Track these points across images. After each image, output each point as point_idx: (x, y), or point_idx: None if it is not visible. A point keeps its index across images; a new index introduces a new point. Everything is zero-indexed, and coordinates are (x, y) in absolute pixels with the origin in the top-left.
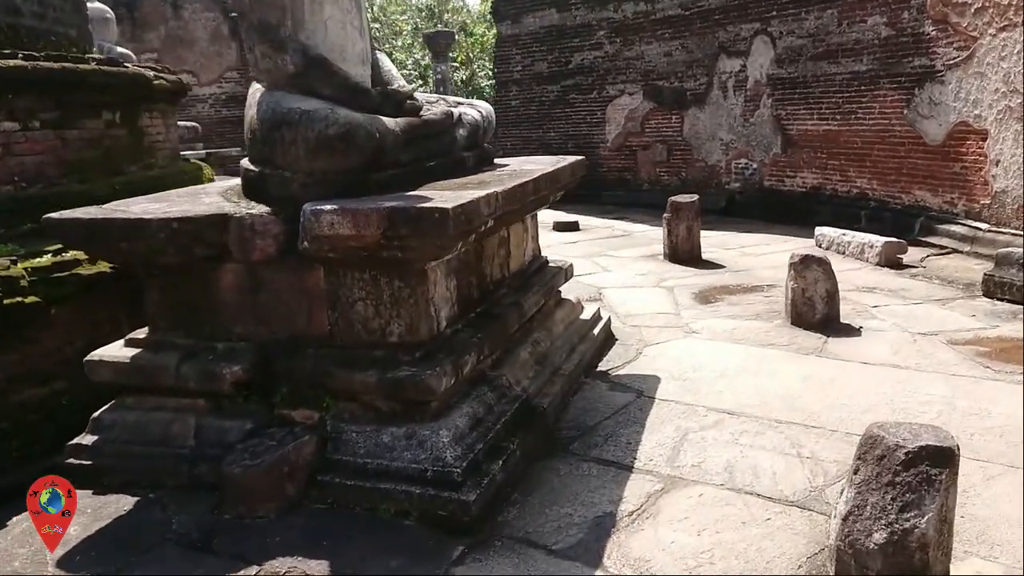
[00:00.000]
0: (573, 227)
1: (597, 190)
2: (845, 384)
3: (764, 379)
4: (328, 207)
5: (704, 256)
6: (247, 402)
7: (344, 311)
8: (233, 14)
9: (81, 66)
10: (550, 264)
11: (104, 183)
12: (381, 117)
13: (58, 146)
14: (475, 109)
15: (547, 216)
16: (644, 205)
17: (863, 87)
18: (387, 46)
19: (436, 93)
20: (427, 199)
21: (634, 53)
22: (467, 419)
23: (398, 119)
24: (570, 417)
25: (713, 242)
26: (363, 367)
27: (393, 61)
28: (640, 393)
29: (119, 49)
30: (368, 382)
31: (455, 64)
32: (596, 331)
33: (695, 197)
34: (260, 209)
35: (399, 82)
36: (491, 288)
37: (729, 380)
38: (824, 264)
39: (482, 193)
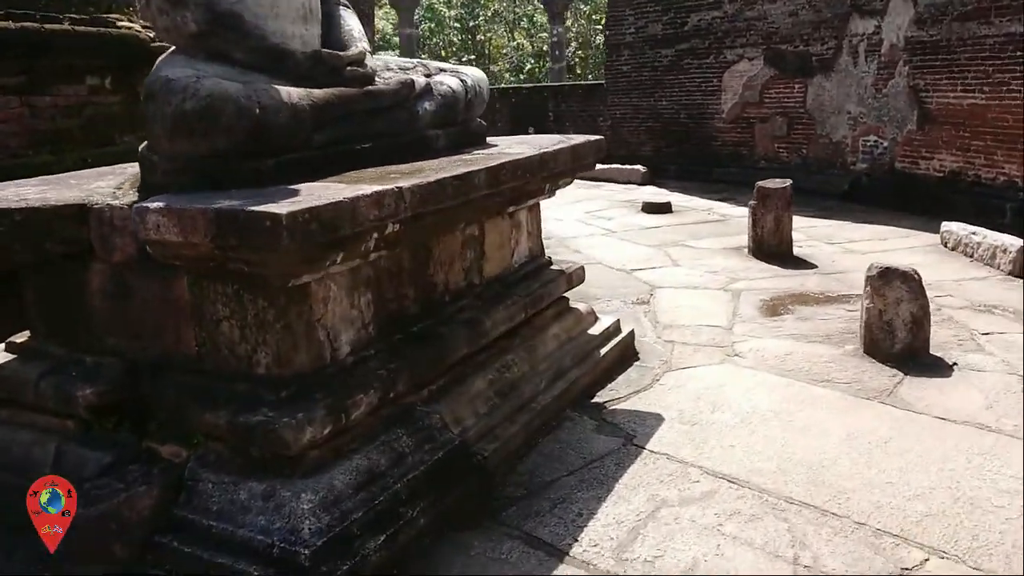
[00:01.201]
0: (664, 209)
1: (709, 166)
2: (903, 449)
3: (796, 432)
4: (154, 205)
5: (797, 251)
6: (118, 428)
7: (210, 330)
8: None
9: (48, 26)
10: (552, 267)
11: (78, 155)
12: (281, 88)
13: (24, 114)
14: (456, 78)
15: (640, 194)
16: None
17: (1019, 52)
18: (529, 7)
19: (553, 56)
20: (290, 196)
21: (756, 13)
22: (354, 475)
23: (315, 91)
24: (526, 468)
25: (816, 233)
26: (218, 404)
27: (533, 24)
28: (630, 439)
29: None
30: (219, 424)
31: (598, 27)
32: (605, 350)
33: (787, 183)
34: (126, 200)
35: (359, 44)
36: (445, 300)
37: (750, 430)
38: (911, 280)
39: (368, 190)
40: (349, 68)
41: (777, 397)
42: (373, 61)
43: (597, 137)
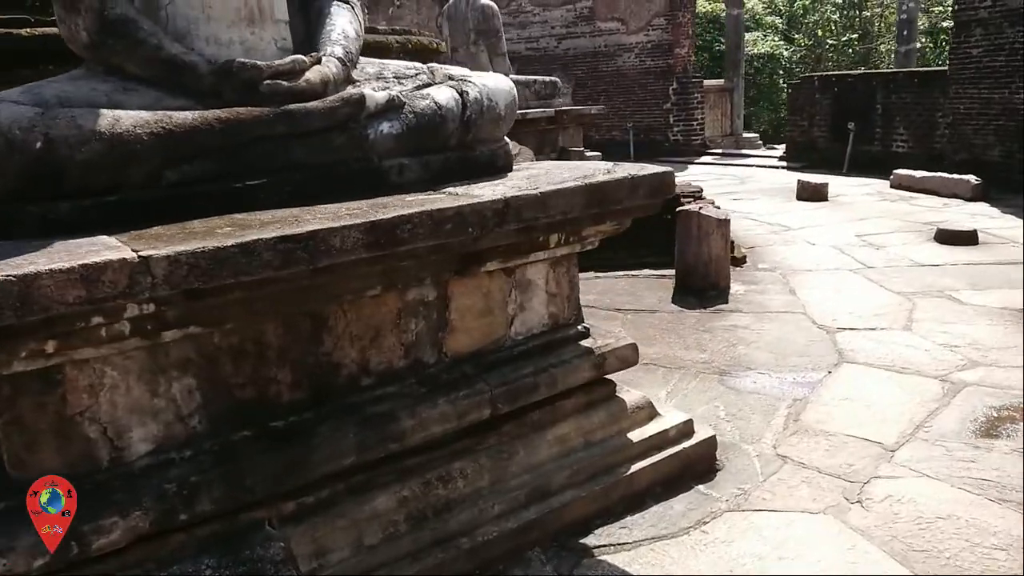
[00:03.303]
0: (964, 240)
1: None
2: None
3: None
4: None
5: None
6: None
7: None
8: None
9: None
10: (580, 343)
11: None
12: (106, 113)
13: None
14: (453, 90)
15: (953, 215)
16: None
17: None
18: None
19: (900, 36)
20: None
21: None
22: None
23: (178, 114)
24: None
25: None
26: None
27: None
28: None
29: (483, 1)
30: None
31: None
32: (644, 464)
33: None
34: None
35: (327, 49)
36: (361, 385)
37: None
38: None
39: (73, 264)
40: (268, 82)
41: None
42: (360, 68)
43: (655, 171)
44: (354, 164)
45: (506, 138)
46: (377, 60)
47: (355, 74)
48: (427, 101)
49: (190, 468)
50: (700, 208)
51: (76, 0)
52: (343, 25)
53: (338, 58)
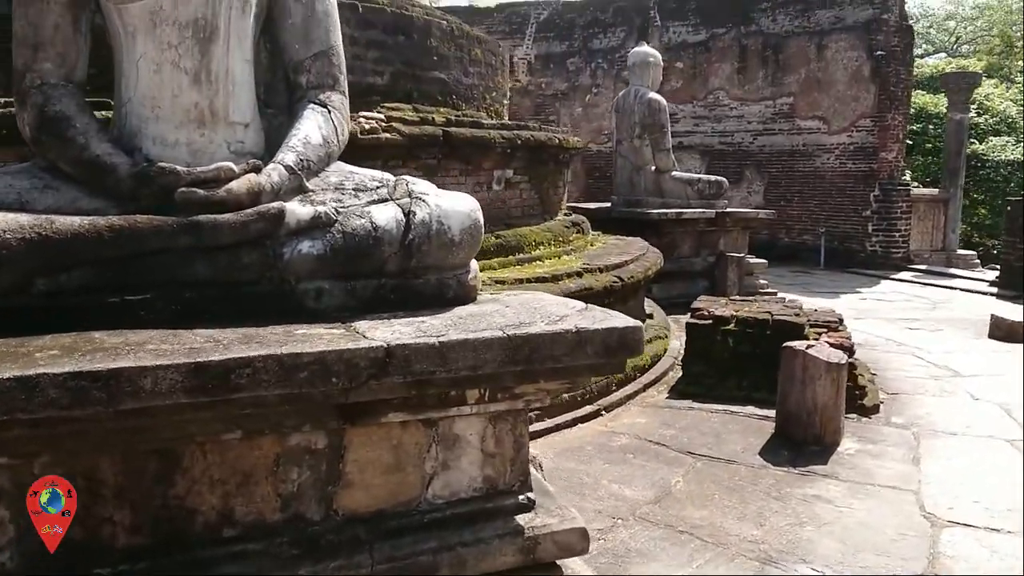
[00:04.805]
0: None
1: None
2: None
3: None
4: None
5: None
6: None
7: None
8: (879, 52)
9: None
10: (513, 519)
11: None
12: None
13: None
14: (399, 210)
15: None
16: None
17: None
18: None
19: None
20: None
21: None
22: None
23: (63, 219)
24: None
25: None
26: None
27: None
28: None
29: (651, 95)
30: None
31: None
32: None
33: None
34: None
35: (283, 155)
36: (223, 537)
37: None
38: None
39: None
40: (183, 190)
41: None
42: (323, 177)
43: (615, 325)
44: (263, 285)
45: (473, 263)
46: (348, 168)
47: (314, 183)
48: (363, 220)
49: None
50: (808, 346)
51: (25, 95)
52: (308, 130)
53: (286, 166)
